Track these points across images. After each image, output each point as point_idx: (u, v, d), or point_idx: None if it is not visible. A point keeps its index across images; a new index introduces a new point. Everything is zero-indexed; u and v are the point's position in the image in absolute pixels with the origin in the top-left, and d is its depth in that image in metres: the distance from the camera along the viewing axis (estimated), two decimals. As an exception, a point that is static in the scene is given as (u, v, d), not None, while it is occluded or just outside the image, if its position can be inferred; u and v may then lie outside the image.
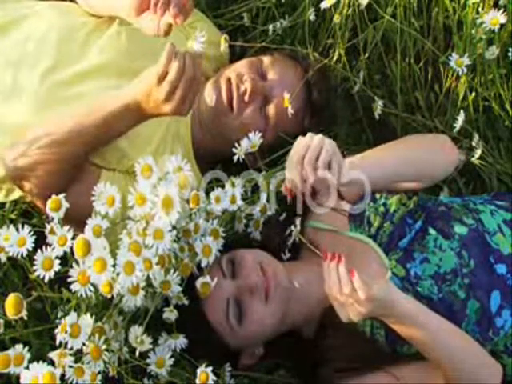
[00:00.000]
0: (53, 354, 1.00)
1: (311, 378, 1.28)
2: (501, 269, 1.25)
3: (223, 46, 1.29)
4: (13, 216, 1.34)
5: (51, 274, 1.02)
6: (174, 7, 1.13)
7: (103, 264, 0.99)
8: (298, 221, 1.26)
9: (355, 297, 1.05)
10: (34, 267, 1.03)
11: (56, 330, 1.00)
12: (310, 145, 1.17)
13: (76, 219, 1.11)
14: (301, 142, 1.19)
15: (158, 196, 1.04)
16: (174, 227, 1.08)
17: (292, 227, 1.27)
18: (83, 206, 1.16)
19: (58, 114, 1.28)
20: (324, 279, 1.10)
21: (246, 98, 1.43)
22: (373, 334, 1.23)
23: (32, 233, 1.06)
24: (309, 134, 1.20)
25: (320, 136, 1.19)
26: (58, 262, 1.03)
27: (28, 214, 1.38)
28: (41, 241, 1.08)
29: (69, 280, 1.01)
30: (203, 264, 1.16)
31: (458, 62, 1.39)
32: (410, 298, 1.14)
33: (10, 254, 1.05)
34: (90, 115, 1.22)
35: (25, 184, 1.27)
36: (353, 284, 1.05)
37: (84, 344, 1.00)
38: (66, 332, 0.98)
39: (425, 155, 1.37)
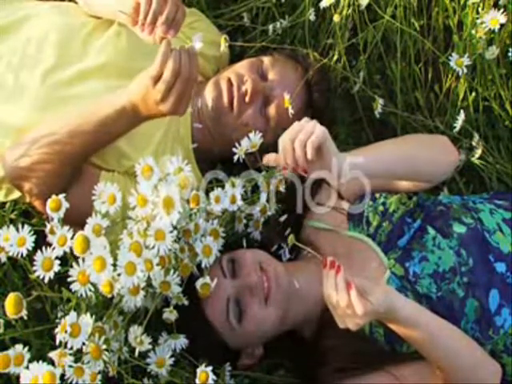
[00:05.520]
0: (53, 354, 1.00)
1: (311, 378, 1.28)
2: (500, 267, 1.25)
3: (223, 46, 1.29)
4: (13, 216, 1.34)
5: (51, 274, 1.02)
6: (162, 25, 1.11)
7: (103, 263, 0.99)
8: (291, 229, 1.25)
9: (352, 310, 1.03)
10: (34, 267, 1.03)
11: (56, 330, 1.00)
12: (303, 128, 1.16)
13: (76, 220, 1.11)
14: (295, 125, 1.17)
15: (159, 196, 1.04)
16: (174, 227, 1.08)
17: (287, 233, 1.26)
18: (83, 206, 1.16)
19: (59, 114, 1.28)
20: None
21: (247, 98, 1.43)
22: (372, 333, 1.23)
23: (32, 233, 1.06)
24: (304, 119, 1.19)
25: (314, 121, 1.17)
26: (57, 262, 1.03)
27: (28, 214, 1.38)
28: (41, 241, 1.08)
29: (69, 280, 1.01)
30: (203, 264, 1.17)
31: (458, 62, 1.38)
32: (409, 301, 1.14)
33: (10, 254, 1.05)
34: (89, 118, 1.21)
35: (24, 184, 1.27)
36: (350, 297, 1.03)
37: (84, 344, 1.00)
38: (65, 332, 0.98)
39: (424, 153, 1.35)
